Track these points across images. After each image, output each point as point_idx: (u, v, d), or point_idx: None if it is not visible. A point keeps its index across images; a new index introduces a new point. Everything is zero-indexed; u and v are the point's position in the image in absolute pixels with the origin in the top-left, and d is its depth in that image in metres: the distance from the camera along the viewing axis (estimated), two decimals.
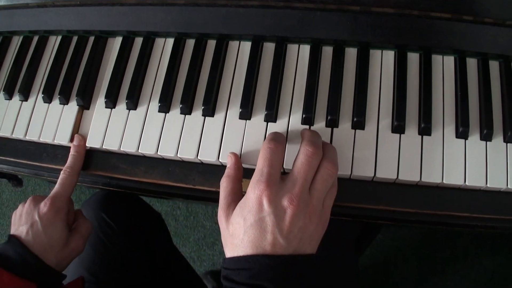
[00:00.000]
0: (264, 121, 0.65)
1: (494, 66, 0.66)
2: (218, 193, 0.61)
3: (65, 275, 0.68)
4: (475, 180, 0.61)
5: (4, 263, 0.61)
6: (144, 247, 0.90)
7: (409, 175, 0.61)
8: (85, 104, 0.71)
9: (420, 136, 0.63)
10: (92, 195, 0.94)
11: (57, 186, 0.67)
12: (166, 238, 1.01)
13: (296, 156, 0.55)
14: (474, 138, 0.63)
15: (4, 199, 1.83)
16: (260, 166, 0.54)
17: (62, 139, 0.70)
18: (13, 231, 0.66)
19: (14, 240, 0.63)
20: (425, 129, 0.62)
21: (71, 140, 0.70)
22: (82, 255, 0.82)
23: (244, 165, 0.62)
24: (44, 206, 0.65)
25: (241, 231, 0.52)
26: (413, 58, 0.67)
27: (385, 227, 1.50)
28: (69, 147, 0.70)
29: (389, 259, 1.50)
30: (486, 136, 0.62)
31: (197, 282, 1.01)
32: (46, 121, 0.72)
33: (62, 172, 0.68)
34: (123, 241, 0.87)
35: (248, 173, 0.61)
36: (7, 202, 1.82)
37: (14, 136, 0.73)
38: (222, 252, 1.59)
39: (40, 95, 0.73)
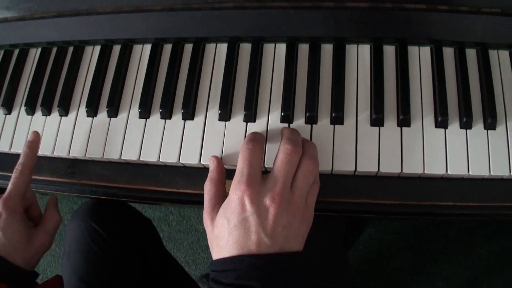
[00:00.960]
0: (244, 121, 0.65)
1: (471, 54, 0.67)
2: (202, 195, 0.61)
3: (37, 273, 0.68)
4: (457, 169, 0.61)
5: None
6: (135, 253, 0.91)
7: (390, 167, 0.61)
8: (66, 114, 0.72)
9: (399, 128, 0.63)
10: (81, 205, 0.94)
11: (9, 186, 0.66)
12: (157, 244, 1.01)
13: (276, 155, 0.55)
14: (454, 126, 0.63)
15: None
16: (240, 167, 0.54)
17: (47, 150, 0.70)
18: None
19: None
20: (404, 121, 0.62)
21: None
22: (74, 264, 0.83)
23: (226, 166, 0.62)
24: None
25: (225, 233, 0.52)
26: (389, 51, 0.67)
27: (374, 221, 1.50)
28: (58, 158, 0.70)
29: (382, 252, 1.50)
30: (466, 124, 0.62)
31: (191, 285, 1.01)
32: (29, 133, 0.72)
33: (14, 170, 0.66)
34: (114, 248, 0.88)
35: (230, 174, 0.60)
36: None
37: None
38: None
39: (23, 108, 0.74)
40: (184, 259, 1.63)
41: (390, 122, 0.63)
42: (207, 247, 1.61)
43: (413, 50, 0.67)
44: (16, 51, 0.79)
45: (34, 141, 0.68)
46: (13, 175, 0.66)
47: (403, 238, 1.51)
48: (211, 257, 1.56)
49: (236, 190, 0.52)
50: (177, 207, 1.65)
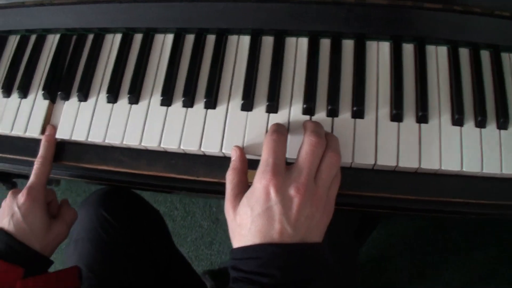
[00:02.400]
0: (266, 112, 0.66)
1: (485, 56, 0.68)
2: (221, 184, 0.62)
3: (52, 261, 0.71)
4: (471, 166, 0.62)
5: None
6: (143, 243, 0.91)
7: (408, 162, 0.62)
8: (86, 99, 0.72)
9: (418, 124, 0.64)
10: (91, 193, 0.94)
11: (31, 177, 0.70)
12: (165, 235, 1.01)
13: (301, 146, 0.56)
14: (469, 125, 0.64)
15: None
16: (265, 157, 0.55)
17: (64, 134, 0.71)
18: None
19: None
20: (422, 117, 0.64)
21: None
22: (81, 251, 0.83)
23: (247, 156, 0.63)
24: (21, 197, 0.67)
25: (248, 221, 0.52)
26: (408, 49, 0.68)
27: (381, 221, 1.52)
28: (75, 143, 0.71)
29: (384, 255, 1.52)
30: (481, 123, 0.64)
31: (196, 280, 1.01)
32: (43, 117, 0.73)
33: (35, 162, 0.70)
34: (123, 237, 0.88)
35: (252, 164, 0.61)
36: None
37: (13, 133, 0.73)
38: (219, 251, 1.60)
39: (40, 92, 0.74)
40: (187, 255, 1.61)
41: (409, 118, 0.64)
42: (210, 243, 1.62)
43: (430, 49, 0.68)
44: (33, 37, 0.78)
45: (51, 134, 0.71)
46: (35, 166, 0.70)
47: (404, 241, 1.53)
48: (214, 253, 1.57)
49: (261, 179, 0.53)
50: (191, 197, 1.66)
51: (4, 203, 0.70)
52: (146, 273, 0.88)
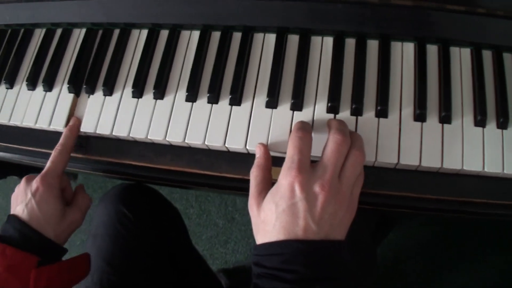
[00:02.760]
0: (290, 109, 0.67)
1: (507, 59, 0.69)
2: (244, 180, 0.62)
3: (66, 249, 0.71)
4: (492, 167, 0.62)
5: (6, 240, 0.64)
6: (162, 239, 0.91)
7: (431, 161, 0.63)
8: (111, 94, 0.73)
9: (440, 124, 0.65)
10: (110, 189, 0.94)
11: (48, 163, 0.69)
12: (183, 232, 1.02)
13: (326, 144, 0.56)
14: (491, 126, 0.65)
15: None
16: (291, 154, 0.55)
17: (89, 128, 0.72)
18: (11, 212, 0.69)
19: (12, 218, 0.66)
20: (445, 117, 0.64)
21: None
22: (100, 246, 0.83)
23: (271, 153, 0.64)
24: (35, 183, 0.67)
25: (273, 217, 0.53)
26: (432, 50, 0.69)
27: (399, 222, 1.51)
28: (99, 136, 0.72)
29: (398, 257, 1.51)
30: (502, 124, 0.64)
31: (212, 278, 1.02)
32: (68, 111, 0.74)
33: (53, 150, 0.70)
34: (142, 233, 0.88)
35: (275, 161, 0.62)
36: None
37: (38, 126, 0.74)
38: (234, 250, 1.60)
39: (65, 85, 0.75)
40: (201, 253, 1.61)
41: (432, 118, 0.65)
42: (225, 242, 1.62)
43: (454, 51, 0.69)
44: (59, 31, 0.79)
45: (75, 124, 0.71)
46: (53, 153, 0.69)
47: (419, 244, 1.53)
48: (228, 252, 1.57)
49: (287, 176, 0.53)
50: (215, 192, 1.65)
51: (17, 189, 0.70)
52: (164, 270, 0.89)
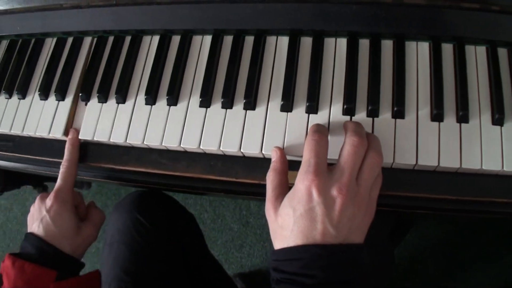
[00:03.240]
0: (306, 112, 0.66)
1: None
2: (260, 185, 0.61)
3: (83, 263, 0.72)
4: None
5: (25, 257, 0.65)
6: (178, 246, 0.91)
7: (449, 161, 0.62)
8: (124, 101, 0.72)
9: (458, 124, 0.64)
10: (125, 197, 0.94)
11: (58, 180, 0.71)
12: (199, 238, 1.02)
13: (342, 147, 0.56)
14: (510, 124, 0.64)
15: (28, 206, 1.82)
16: (307, 157, 0.54)
17: (102, 137, 0.71)
18: (28, 230, 0.71)
19: (29, 235, 0.68)
20: (463, 117, 0.63)
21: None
22: (116, 255, 0.83)
23: (287, 157, 0.63)
24: (49, 200, 0.69)
25: (290, 222, 0.52)
26: (447, 49, 0.68)
27: (416, 223, 1.51)
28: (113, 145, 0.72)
29: (415, 258, 1.51)
30: None
31: (228, 283, 1.01)
32: (85, 119, 0.73)
33: (61, 166, 0.71)
34: (158, 240, 0.88)
35: (291, 165, 0.61)
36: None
37: (51, 135, 0.74)
38: (250, 254, 1.60)
39: (79, 94, 0.75)
40: (217, 258, 1.61)
41: (450, 118, 0.64)
42: (240, 246, 1.62)
43: (470, 49, 0.68)
44: (70, 39, 0.79)
45: (74, 137, 0.72)
46: (61, 170, 0.71)
47: (435, 244, 1.52)
48: (244, 256, 1.57)
49: (304, 180, 0.52)
50: (231, 198, 1.65)
51: (33, 208, 0.72)
52: (180, 276, 0.89)
